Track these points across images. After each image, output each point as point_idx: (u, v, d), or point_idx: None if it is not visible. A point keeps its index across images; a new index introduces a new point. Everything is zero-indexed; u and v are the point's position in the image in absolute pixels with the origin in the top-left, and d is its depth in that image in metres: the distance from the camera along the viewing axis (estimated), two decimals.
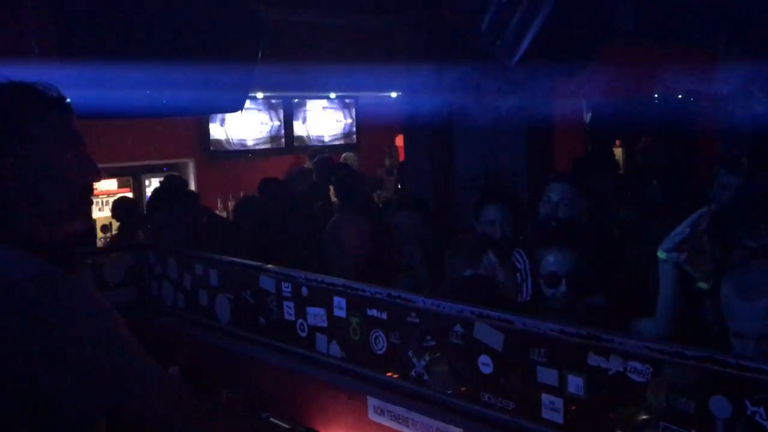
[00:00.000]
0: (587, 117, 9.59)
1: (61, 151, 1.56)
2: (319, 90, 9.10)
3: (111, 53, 3.39)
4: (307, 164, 8.44)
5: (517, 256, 3.28)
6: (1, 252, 1.49)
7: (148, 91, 3.48)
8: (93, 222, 5.33)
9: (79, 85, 3.35)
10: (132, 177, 8.20)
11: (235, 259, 3.06)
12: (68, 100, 1.60)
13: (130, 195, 7.85)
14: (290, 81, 7.21)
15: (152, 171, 8.36)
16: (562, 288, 2.68)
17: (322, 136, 9.67)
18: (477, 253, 2.88)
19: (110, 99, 3.44)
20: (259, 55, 3.83)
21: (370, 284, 2.50)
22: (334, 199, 5.71)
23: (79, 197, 1.61)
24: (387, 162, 9.91)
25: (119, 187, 8.10)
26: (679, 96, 9.54)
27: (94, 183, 1.67)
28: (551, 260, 2.72)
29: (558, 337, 1.89)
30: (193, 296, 3.23)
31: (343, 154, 8.99)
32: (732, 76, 7.86)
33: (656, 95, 9.57)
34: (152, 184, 8.37)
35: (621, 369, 1.77)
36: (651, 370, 1.71)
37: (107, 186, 8.02)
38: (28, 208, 1.53)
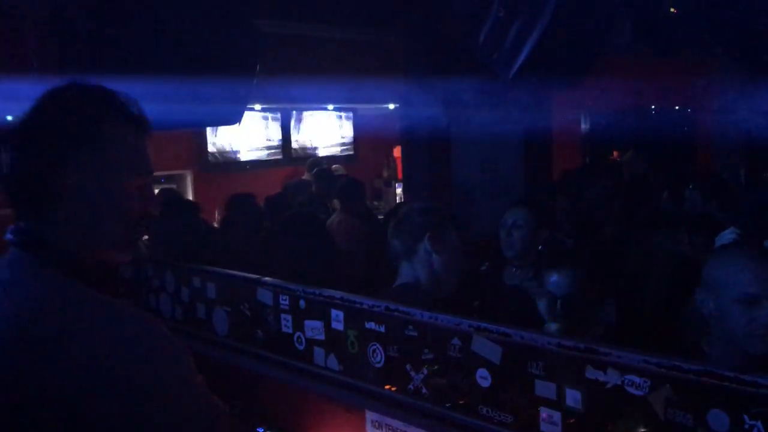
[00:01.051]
0: (584, 128, 9.63)
1: (129, 174, 1.42)
2: (316, 102, 9.12)
3: (109, 67, 3.40)
4: (306, 176, 8.46)
5: None
6: (56, 284, 1.35)
7: (146, 105, 3.48)
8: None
9: None
10: None
11: (233, 272, 3.06)
12: (147, 119, 1.47)
13: None
14: (288, 93, 7.22)
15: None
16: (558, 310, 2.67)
17: (320, 148, 9.69)
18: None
19: None
20: (257, 68, 3.85)
21: (365, 290, 2.50)
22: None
23: (133, 227, 1.47)
24: (385, 173, 9.93)
25: None
26: (676, 108, 9.59)
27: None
28: (551, 282, 2.74)
29: (556, 351, 1.89)
30: (190, 309, 3.23)
31: (332, 167, 9.01)
32: (728, 88, 7.91)
33: (653, 107, 9.62)
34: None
35: (619, 382, 1.76)
36: (649, 383, 1.71)
37: None
38: (81, 229, 1.39)
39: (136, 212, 1.45)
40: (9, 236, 1.38)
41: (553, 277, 2.74)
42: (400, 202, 7.91)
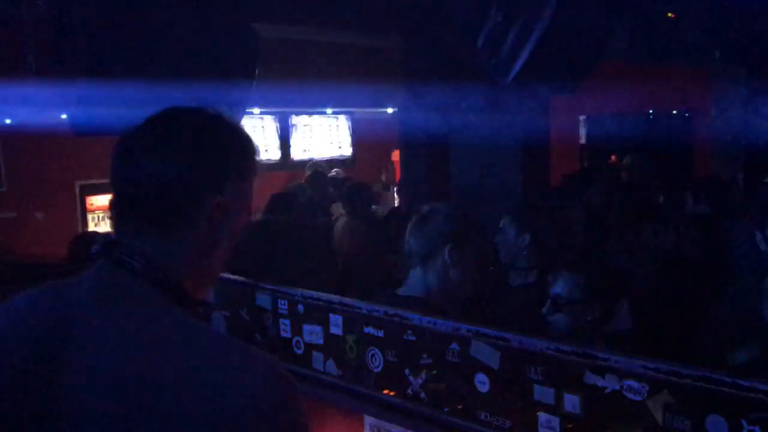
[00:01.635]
0: (582, 133, 9.65)
1: (247, 211, 1.37)
2: (315, 106, 9.13)
3: (108, 72, 3.41)
4: (305, 180, 8.47)
5: None
6: (190, 324, 1.23)
7: (144, 109, 3.49)
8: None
9: (75, 103, 3.37)
10: None
11: (231, 276, 3.06)
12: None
13: None
14: (286, 97, 7.23)
15: None
16: (565, 311, 2.68)
17: (318, 152, 9.70)
18: None
19: (106, 117, 3.45)
20: (256, 72, 3.86)
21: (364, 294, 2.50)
22: (341, 211, 5.82)
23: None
24: (383, 177, 9.94)
25: None
26: (674, 112, 9.61)
27: None
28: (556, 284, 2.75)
29: (554, 356, 1.89)
30: None
31: (332, 170, 9.02)
32: (726, 93, 7.93)
33: (651, 112, 9.64)
34: None
35: (617, 387, 1.77)
36: (647, 388, 1.71)
37: (104, 201, 8.02)
38: (200, 257, 1.29)
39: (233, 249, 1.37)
40: (122, 257, 1.23)
41: (554, 280, 2.75)
42: (398, 206, 7.93)
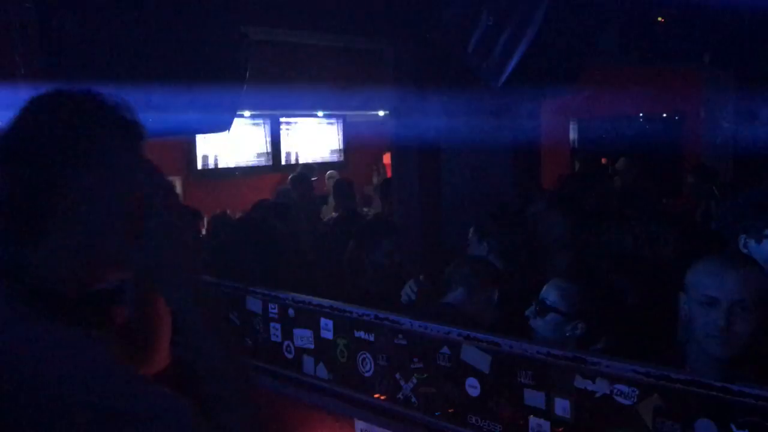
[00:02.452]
0: (573, 136, 9.69)
1: (129, 185, 1.27)
2: (306, 109, 9.13)
3: (98, 75, 3.39)
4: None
5: None
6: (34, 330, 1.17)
7: (136, 113, 3.47)
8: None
9: None
10: None
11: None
12: (142, 124, 1.32)
13: None
14: (277, 100, 7.22)
15: None
16: (548, 318, 2.65)
17: (310, 155, 9.69)
18: None
19: None
20: (247, 75, 3.85)
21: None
22: (333, 213, 5.86)
23: (136, 239, 1.29)
24: (375, 180, 9.94)
25: None
26: (663, 115, 9.65)
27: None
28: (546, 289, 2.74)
29: (545, 360, 1.89)
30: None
31: (327, 173, 9.02)
32: (715, 97, 7.97)
33: (641, 115, 9.68)
34: None
35: (608, 392, 1.77)
36: (637, 392, 1.72)
37: None
38: (78, 253, 1.24)
39: (139, 224, 1.28)
40: None
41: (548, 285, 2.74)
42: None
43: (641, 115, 9.66)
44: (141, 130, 1.32)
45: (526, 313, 2.66)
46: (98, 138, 1.26)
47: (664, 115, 9.67)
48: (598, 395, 1.79)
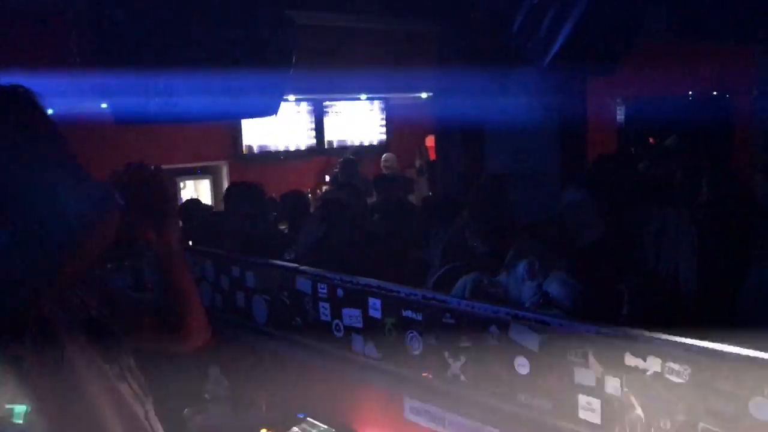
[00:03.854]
0: (620, 115, 9.53)
1: (62, 173, 1.21)
2: (350, 92, 9.15)
3: (147, 61, 3.46)
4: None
5: None
6: None
7: (185, 98, 3.55)
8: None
9: (120, 92, 3.44)
10: None
11: (272, 261, 3.11)
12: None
13: None
14: (322, 83, 7.26)
15: (187, 173, 8.50)
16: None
17: (353, 138, 9.72)
18: None
19: (149, 106, 3.51)
20: (293, 59, 3.88)
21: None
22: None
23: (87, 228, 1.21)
24: (417, 163, 9.92)
25: None
26: (714, 93, 9.43)
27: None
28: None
29: (595, 338, 1.89)
30: (230, 297, 3.29)
31: (384, 155, 9.03)
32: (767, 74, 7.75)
33: (690, 94, 9.47)
34: (187, 186, 8.52)
35: (659, 369, 1.77)
36: (689, 370, 1.71)
37: None
38: (28, 250, 1.13)
39: (84, 215, 1.20)
40: None
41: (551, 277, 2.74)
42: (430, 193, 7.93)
43: (690, 93, 9.45)
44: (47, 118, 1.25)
45: (528, 302, 2.63)
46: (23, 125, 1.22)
47: (714, 93, 9.45)
48: (649, 373, 1.79)
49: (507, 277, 2.75)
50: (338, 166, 7.84)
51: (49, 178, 1.19)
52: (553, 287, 2.61)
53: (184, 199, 7.68)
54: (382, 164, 8.70)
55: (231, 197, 4.41)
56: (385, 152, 9.30)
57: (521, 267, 2.66)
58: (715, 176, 4.58)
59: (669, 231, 2.94)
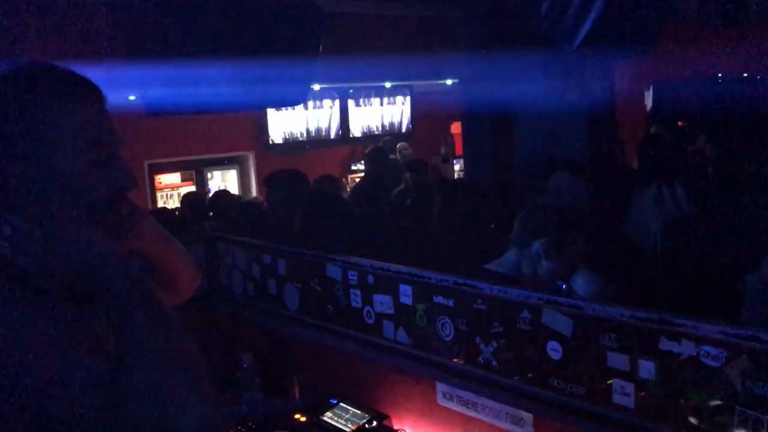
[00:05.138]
0: (648, 100, 9.40)
1: (75, 152, 1.16)
2: (374, 79, 9.14)
3: (177, 52, 3.49)
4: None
5: None
6: None
7: (214, 88, 3.58)
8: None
9: (149, 84, 3.48)
10: (195, 170, 8.44)
11: (302, 249, 3.13)
12: (96, 86, 1.22)
13: (193, 188, 8.12)
14: (347, 71, 7.27)
15: (214, 164, 8.59)
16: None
17: (378, 126, 9.72)
18: None
19: (178, 96, 3.55)
20: (320, 48, 3.89)
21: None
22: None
23: (100, 212, 1.19)
24: (443, 150, 9.89)
25: (182, 180, 8.34)
26: (744, 76, 9.26)
27: (126, 193, 1.25)
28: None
29: (628, 322, 1.89)
30: (261, 285, 3.32)
31: (398, 144, 9.03)
32: None
33: (720, 76, 9.31)
34: (214, 176, 8.60)
35: (694, 353, 1.76)
36: (725, 354, 1.70)
37: (172, 180, 8.26)
38: (41, 234, 1.12)
39: (101, 194, 1.19)
40: None
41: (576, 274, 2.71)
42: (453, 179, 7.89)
43: (720, 76, 9.29)
44: (92, 93, 1.22)
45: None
46: (35, 101, 1.15)
47: (745, 75, 9.28)
48: (684, 357, 1.78)
49: (517, 254, 2.65)
50: (366, 156, 7.83)
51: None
52: (581, 285, 2.61)
53: (212, 190, 7.79)
54: (398, 153, 8.70)
55: (275, 186, 4.40)
56: (411, 139, 9.29)
57: (537, 246, 2.61)
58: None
59: None
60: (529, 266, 2.61)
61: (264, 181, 4.22)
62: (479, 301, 2.31)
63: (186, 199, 6.36)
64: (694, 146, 6.94)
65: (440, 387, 2.44)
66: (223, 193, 6.29)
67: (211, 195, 6.78)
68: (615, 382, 1.95)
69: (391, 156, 8.01)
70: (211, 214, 5.57)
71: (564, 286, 2.66)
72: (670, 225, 3.48)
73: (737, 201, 3.59)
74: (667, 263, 3.38)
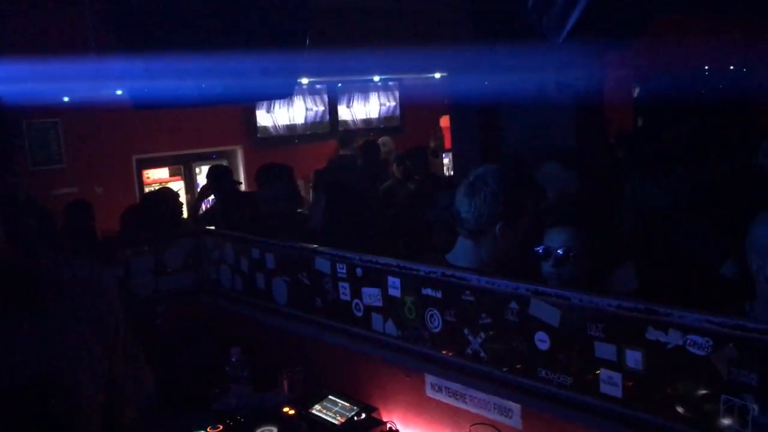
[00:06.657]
0: (635, 91, 9.44)
1: None
2: (363, 73, 9.13)
3: (165, 45, 3.47)
4: (342, 150, 8.57)
5: None
6: None
7: (201, 81, 3.56)
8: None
9: (135, 77, 3.45)
10: (183, 165, 8.40)
11: (291, 243, 3.13)
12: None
13: (182, 183, 8.09)
14: (335, 65, 7.25)
15: (202, 159, 8.55)
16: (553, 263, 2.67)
17: (366, 120, 9.72)
18: None
19: (165, 90, 3.53)
20: (308, 41, 3.88)
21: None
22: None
23: None
24: (432, 143, 9.90)
25: (171, 175, 8.31)
26: (731, 68, 9.30)
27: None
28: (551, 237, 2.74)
29: (615, 312, 1.89)
30: (250, 279, 3.32)
31: (380, 139, 9.03)
32: None
33: (707, 68, 9.35)
34: (202, 171, 8.57)
35: (680, 343, 1.76)
36: (711, 343, 1.71)
37: (160, 175, 8.22)
38: None
39: None
40: None
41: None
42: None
43: (707, 68, 9.33)
44: None
45: (549, 265, 2.69)
46: None
47: (732, 67, 9.32)
48: (670, 346, 1.78)
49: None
50: (358, 149, 7.83)
51: None
52: (558, 241, 2.68)
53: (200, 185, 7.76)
54: (381, 147, 8.72)
55: (264, 179, 4.44)
56: (401, 133, 9.30)
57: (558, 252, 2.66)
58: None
59: None
60: (487, 252, 2.47)
61: (257, 176, 4.28)
62: (467, 292, 2.31)
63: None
64: (675, 136, 6.97)
65: (429, 379, 2.44)
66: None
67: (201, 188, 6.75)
68: (602, 372, 1.95)
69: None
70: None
71: (541, 249, 2.69)
72: (647, 215, 3.52)
73: (716, 191, 3.62)
74: (644, 253, 3.40)
